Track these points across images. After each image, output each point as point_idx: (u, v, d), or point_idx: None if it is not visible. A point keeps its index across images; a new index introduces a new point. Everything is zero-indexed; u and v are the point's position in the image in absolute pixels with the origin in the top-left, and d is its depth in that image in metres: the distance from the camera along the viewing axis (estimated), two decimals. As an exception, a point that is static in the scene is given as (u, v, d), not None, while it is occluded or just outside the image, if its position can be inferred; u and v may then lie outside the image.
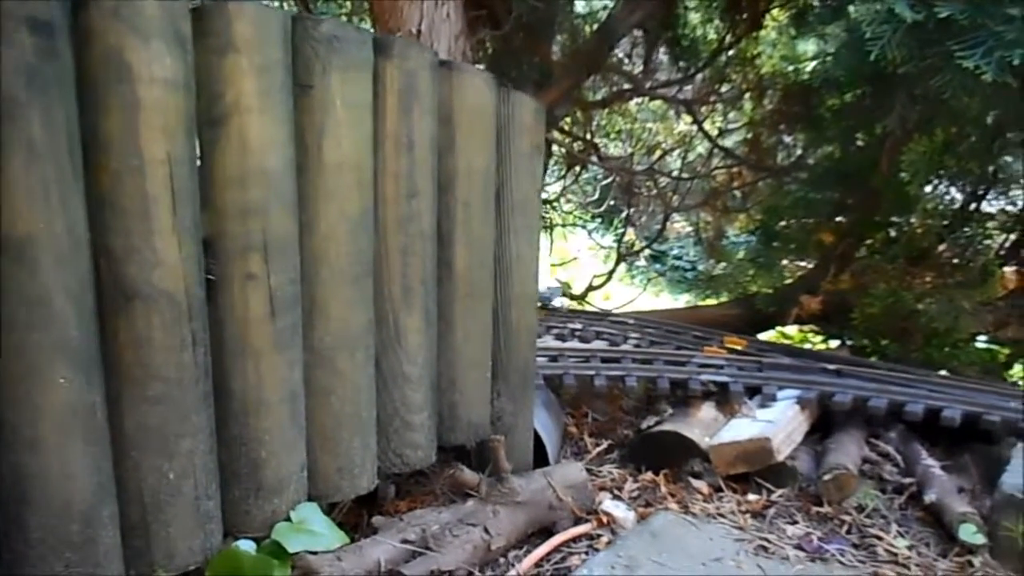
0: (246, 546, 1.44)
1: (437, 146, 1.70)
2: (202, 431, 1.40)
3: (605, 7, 4.62)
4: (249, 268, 1.40)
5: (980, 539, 1.85)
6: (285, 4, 4.69)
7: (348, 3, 4.96)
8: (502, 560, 1.86)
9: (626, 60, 5.09)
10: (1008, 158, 3.24)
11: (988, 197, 3.44)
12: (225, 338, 1.42)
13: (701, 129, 4.92)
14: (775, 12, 4.48)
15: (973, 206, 3.43)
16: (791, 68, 4.40)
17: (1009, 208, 3.32)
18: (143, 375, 1.31)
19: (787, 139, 4.72)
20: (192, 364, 1.35)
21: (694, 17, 4.77)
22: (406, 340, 1.70)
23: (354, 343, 1.60)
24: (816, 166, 3.90)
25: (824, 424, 2.40)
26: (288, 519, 1.53)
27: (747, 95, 4.88)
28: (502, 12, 4.00)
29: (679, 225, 6.58)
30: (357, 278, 1.57)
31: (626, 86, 4.86)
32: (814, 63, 4.03)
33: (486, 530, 1.82)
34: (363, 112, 1.53)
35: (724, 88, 4.95)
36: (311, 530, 1.52)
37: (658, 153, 5.63)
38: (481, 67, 4.62)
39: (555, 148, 5.31)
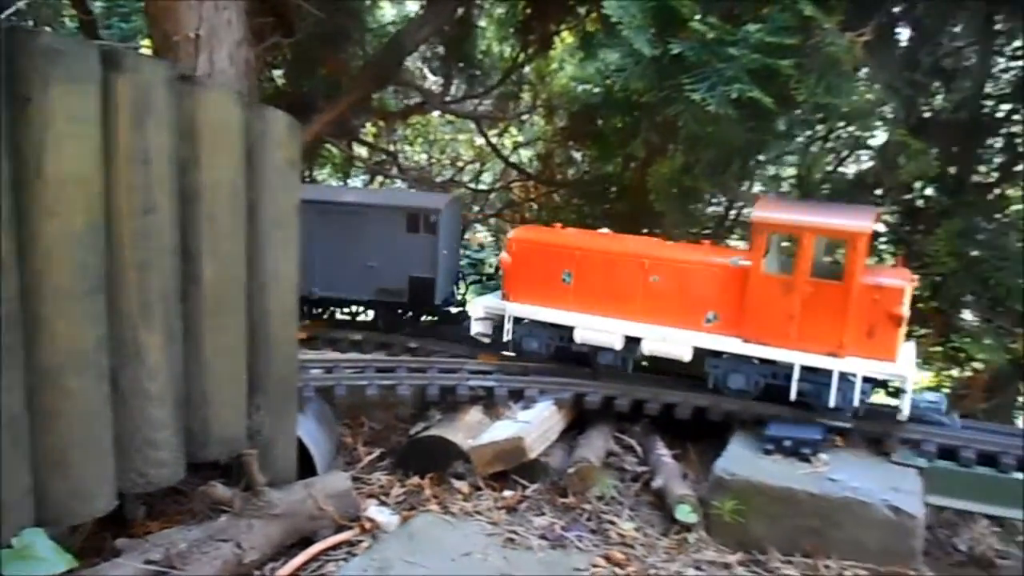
0: (-46, 578, 1.37)
1: (179, 160, 1.69)
2: (-101, 460, 1.32)
3: (393, 22, 4.71)
4: (-47, 287, 1.34)
5: (694, 518, 2.10)
6: None
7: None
8: (257, 573, 1.87)
9: (426, 73, 5.22)
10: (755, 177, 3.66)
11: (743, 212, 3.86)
12: (-73, 361, 1.35)
13: (490, 144, 5.12)
14: (564, 34, 4.76)
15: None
16: (580, 88, 4.66)
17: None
18: None
19: (576, 155, 5.03)
20: None
21: (489, 35, 4.97)
22: (146, 356, 1.67)
23: (85, 362, 1.56)
24: (592, 181, 4.17)
25: (582, 422, 2.60)
26: (10, 546, 1.46)
27: (538, 112, 5.15)
28: (296, 19, 3.97)
29: (480, 235, 6.76)
30: (86, 294, 1.53)
31: (421, 99, 4.97)
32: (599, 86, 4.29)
33: (238, 545, 1.82)
34: (90, 126, 1.50)
35: (518, 105, 5.20)
36: (35, 555, 1.46)
37: (459, 165, 5.80)
38: (279, 72, 4.56)
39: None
